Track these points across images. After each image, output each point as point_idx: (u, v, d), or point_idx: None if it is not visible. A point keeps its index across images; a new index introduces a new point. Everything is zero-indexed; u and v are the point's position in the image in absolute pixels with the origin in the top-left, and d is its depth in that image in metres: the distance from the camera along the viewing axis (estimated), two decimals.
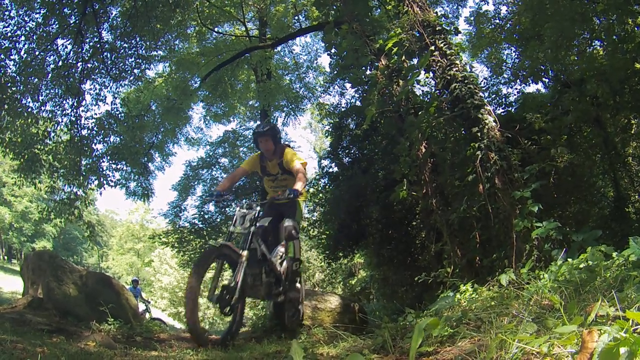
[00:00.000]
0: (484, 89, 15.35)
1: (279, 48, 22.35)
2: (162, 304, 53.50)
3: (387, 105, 10.15)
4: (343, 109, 19.47)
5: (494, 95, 15.32)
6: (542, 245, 6.24)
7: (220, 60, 19.04)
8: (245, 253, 5.82)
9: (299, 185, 6.19)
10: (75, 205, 17.29)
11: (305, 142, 47.97)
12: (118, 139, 18.15)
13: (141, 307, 17.29)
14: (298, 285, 7.65)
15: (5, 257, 63.88)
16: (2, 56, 13.71)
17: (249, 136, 25.05)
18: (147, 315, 17.64)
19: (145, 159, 21.66)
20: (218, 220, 25.26)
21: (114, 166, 18.42)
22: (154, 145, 22.86)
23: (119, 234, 71.94)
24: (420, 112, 9.04)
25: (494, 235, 7.24)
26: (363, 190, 16.41)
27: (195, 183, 26.28)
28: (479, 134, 7.55)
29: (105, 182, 17.61)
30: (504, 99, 15.42)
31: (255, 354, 7.01)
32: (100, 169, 17.63)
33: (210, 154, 26.60)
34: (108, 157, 17.94)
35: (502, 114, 13.41)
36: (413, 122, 8.54)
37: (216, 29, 21.62)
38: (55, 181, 17.05)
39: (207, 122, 26.59)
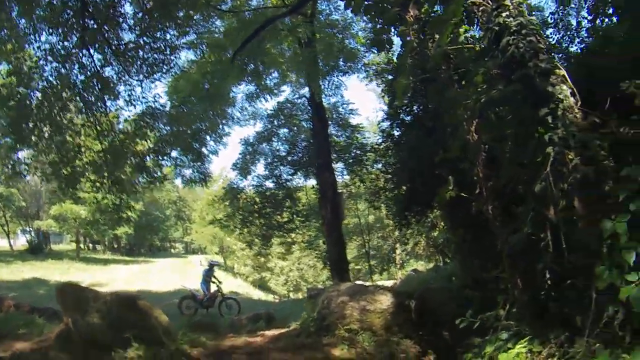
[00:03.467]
0: (551, 24, 12.72)
1: (324, 6, 20.55)
2: (245, 270, 55.20)
3: (423, 71, 8.21)
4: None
5: (563, 32, 12.68)
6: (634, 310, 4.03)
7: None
8: None
9: None
10: (121, 211, 18.22)
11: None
12: (159, 133, 18.27)
13: (213, 287, 18.95)
14: None
15: (89, 246, 66.61)
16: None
17: (303, 105, 23.67)
18: (219, 296, 18.87)
19: (197, 144, 21.12)
20: (280, 196, 24.34)
21: (161, 161, 18.80)
22: (205, 129, 21.76)
23: (200, 207, 72.88)
24: (463, 82, 6.93)
25: (568, 275, 5.05)
26: (429, 150, 14.64)
27: (257, 158, 25.40)
28: (549, 119, 5.11)
29: (150, 179, 18.26)
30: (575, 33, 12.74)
31: None
32: (141, 167, 17.73)
33: (269, 126, 25.52)
34: (152, 155, 18.14)
35: (578, 50, 11.08)
36: (456, 96, 6.43)
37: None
38: (98, 192, 17.60)
39: (260, 96, 24.59)
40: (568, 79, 5.33)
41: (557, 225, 4.94)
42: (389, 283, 33.98)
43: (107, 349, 8.31)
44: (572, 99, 5.21)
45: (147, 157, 17.89)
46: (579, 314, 4.63)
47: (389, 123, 18.06)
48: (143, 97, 16.85)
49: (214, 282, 19.01)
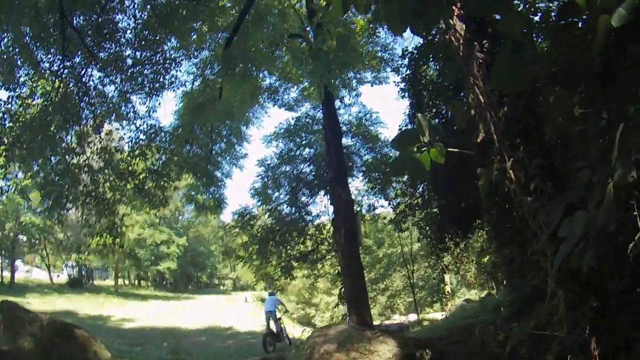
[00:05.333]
0: None
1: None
2: (290, 307, 52.21)
3: None
4: (413, 54, 14.19)
5: None
6: None
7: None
8: None
9: None
10: (113, 235, 16.29)
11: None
12: (164, 154, 17.11)
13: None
14: None
15: (135, 282, 66.37)
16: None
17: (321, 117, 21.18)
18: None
19: (211, 167, 19.78)
20: (299, 222, 22.31)
21: (164, 183, 17.08)
22: (220, 150, 20.63)
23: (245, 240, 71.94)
24: None
25: None
26: (461, 157, 11.82)
27: (280, 182, 23.09)
28: None
29: (151, 203, 17.07)
30: None
31: None
32: (140, 190, 16.28)
33: (290, 147, 23.28)
34: (152, 176, 16.71)
35: None
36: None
37: None
38: (89, 214, 16.00)
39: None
40: None
41: None
42: (440, 315, 31.28)
43: None
44: None
45: (145, 181, 16.49)
46: None
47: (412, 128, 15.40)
48: (135, 114, 15.29)
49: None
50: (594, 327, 2.83)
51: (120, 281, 57.38)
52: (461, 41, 3.73)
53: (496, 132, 3.25)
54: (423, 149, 3.06)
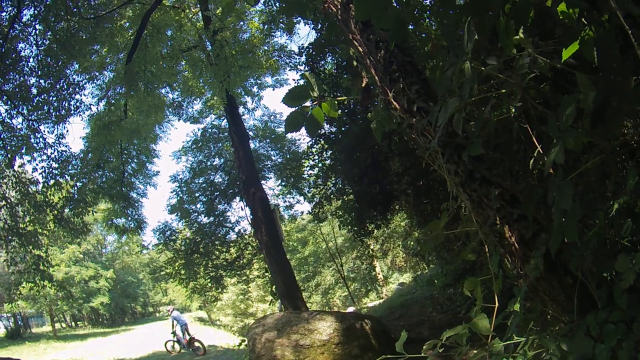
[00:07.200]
0: None
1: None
2: (227, 321, 53.37)
3: None
4: (309, 50, 14.77)
5: None
6: None
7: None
8: None
9: None
10: (40, 269, 16.08)
11: None
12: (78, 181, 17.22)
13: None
14: None
15: (73, 324, 63.87)
16: None
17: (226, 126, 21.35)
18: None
19: (125, 188, 19.58)
20: (220, 231, 22.52)
21: (82, 210, 17.16)
22: (131, 172, 20.36)
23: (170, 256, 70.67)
24: None
25: None
26: (369, 142, 12.37)
27: (198, 195, 22.98)
28: None
29: (72, 232, 17.48)
30: None
31: None
32: (59, 219, 16.40)
33: (200, 158, 23.48)
34: (70, 204, 16.85)
35: None
36: None
37: None
38: (13, 252, 15.77)
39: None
40: None
41: None
42: (378, 303, 32.01)
43: None
44: None
45: (64, 209, 16.56)
46: None
47: None
48: (45, 143, 15.05)
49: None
50: (504, 216, 3.13)
51: (57, 325, 55.32)
52: (339, 7, 4.37)
53: (377, 73, 3.72)
54: (314, 103, 3.44)
